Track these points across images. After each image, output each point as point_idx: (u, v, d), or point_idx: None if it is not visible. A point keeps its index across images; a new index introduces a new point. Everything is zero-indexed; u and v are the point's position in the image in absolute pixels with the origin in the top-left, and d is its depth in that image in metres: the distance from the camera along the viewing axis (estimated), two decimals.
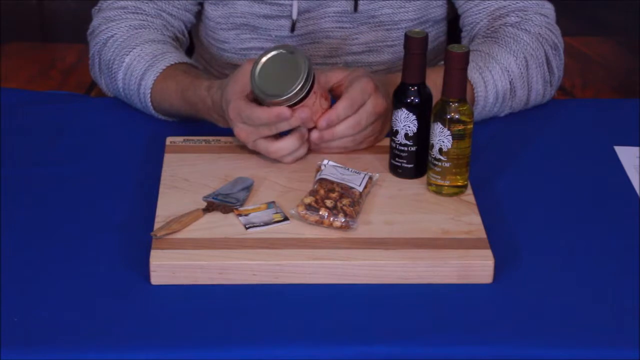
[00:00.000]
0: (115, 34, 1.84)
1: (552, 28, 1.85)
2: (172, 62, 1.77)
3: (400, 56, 1.61)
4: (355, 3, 1.87)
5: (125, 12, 1.86)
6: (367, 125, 1.63)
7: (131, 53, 1.80)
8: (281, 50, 1.59)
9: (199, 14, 1.96)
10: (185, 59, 1.80)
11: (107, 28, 1.85)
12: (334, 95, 1.65)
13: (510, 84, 1.78)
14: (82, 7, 2.50)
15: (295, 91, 1.56)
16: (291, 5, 1.88)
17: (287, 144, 1.61)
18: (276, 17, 1.90)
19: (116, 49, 1.82)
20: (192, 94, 1.71)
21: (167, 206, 1.53)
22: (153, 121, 1.81)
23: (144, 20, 1.86)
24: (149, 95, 1.77)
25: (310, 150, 1.65)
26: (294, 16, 1.88)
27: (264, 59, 1.59)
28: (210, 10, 1.92)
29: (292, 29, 1.89)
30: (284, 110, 1.56)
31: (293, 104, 1.57)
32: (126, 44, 1.82)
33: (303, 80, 1.56)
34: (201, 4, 1.94)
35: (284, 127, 1.58)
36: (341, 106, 1.60)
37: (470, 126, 1.54)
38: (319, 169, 1.59)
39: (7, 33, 3.66)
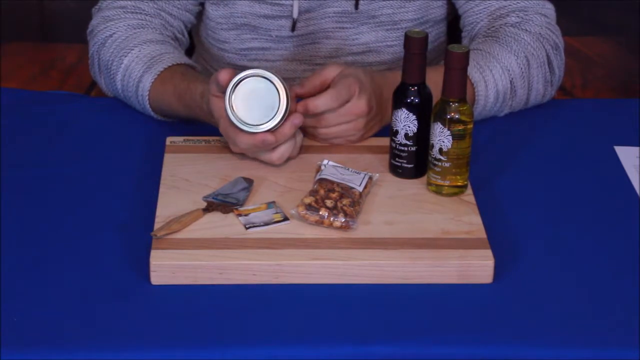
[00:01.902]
0: (114, 33, 1.84)
1: (552, 28, 1.85)
2: (170, 64, 1.77)
3: (401, 56, 1.61)
4: (356, 1, 1.87)
5: (124, 11, 1.86)
6: (338, 123, 1.64)
7: (129, 54, 1.80)
8: (255, 76, 1.57)
9: (200, 14, 1.96)
10: (184, 59, 1.80)
11: (105, 27, 1.85)
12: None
13: (510, 83, 1.78)
14: (82, 7, 2.50)
15: (277, 121, 1.56)
16: (292, 5, 1.88)
17: (286, 148, 1.61)
18: (277, 17, 1.90)
19: (115, 50, 1.82)
20: (189, 98, 1.71)
21: (167, 206, 1.53)
22: (153, 121, 1.81)
23: (142, 20, 1.86)
24: (147, 98, 1.77)
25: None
26: (295, 15, 1.88)
27: (238, 89, 1.56)
28: (211, 11, 1.92)
29: (293, 28, 1.89)
30: (267, 137, 1.56)
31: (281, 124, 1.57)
32: (124, 44, 1.82)
33: (284, 110, 1.56)
34: (202, 4, 1.94)
35: (274, 145, 1.59)
36: (323, 99, 1.61)
37: (470, 126, 1.54)
38: (319, 169, 1.59)
39: (7, 33, 3.66)
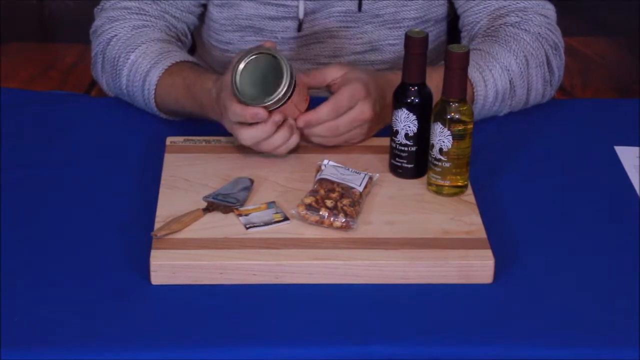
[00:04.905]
0: (119, 33, 1.84)
1: (552, 28, 1.85)
2: (178, 60, 1.78)
3: (402, 55, 1.61)
4: (359, 2, 1.87)
5: (128, 12, 1.86)
6: (347, 131, 1.64)
7: (136, 50, 1.80)
8: (263, 53, 1.58)
9: (202, 16, 1.96)
10: (190, 58, 1.80)
11: (110, 28, 1.85)
12: (330, 92, 1.66)
13: (510, 83, 1.78)
14: (83, 7, 2.50)
15: (278, 97, 1.56)
16: (297, 7, 1.88)
17: (258, 131, 1.60)
18: (282, 19, 1.90)
19: (121, 47, 1.82)
20: (198, 87, 1.71)
21: (167, 206, 1.53)
22: (153, 121, 1.81)
23: (147, 21, 1.86)
24: (154, 91, 1.77)
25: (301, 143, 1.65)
26: (301, 16, 1.88)
27: (245, 61, 1.58)
28: (215, 12, 1.92)
29: (299, 29, 1.89)
30: (259, 110, 1.56)
31: (277, 107, 1.57)
32: (131, 41, 1.82)
33: (286, 86, 1.56)
34: (204, 6, 1.94)
35: (263, 120, 1.58)
36: (324, 110, 1.62)
37: (470, 126, 1.54)
38: (319, 169, 1.59)
39: (7, 33, 3.66)
